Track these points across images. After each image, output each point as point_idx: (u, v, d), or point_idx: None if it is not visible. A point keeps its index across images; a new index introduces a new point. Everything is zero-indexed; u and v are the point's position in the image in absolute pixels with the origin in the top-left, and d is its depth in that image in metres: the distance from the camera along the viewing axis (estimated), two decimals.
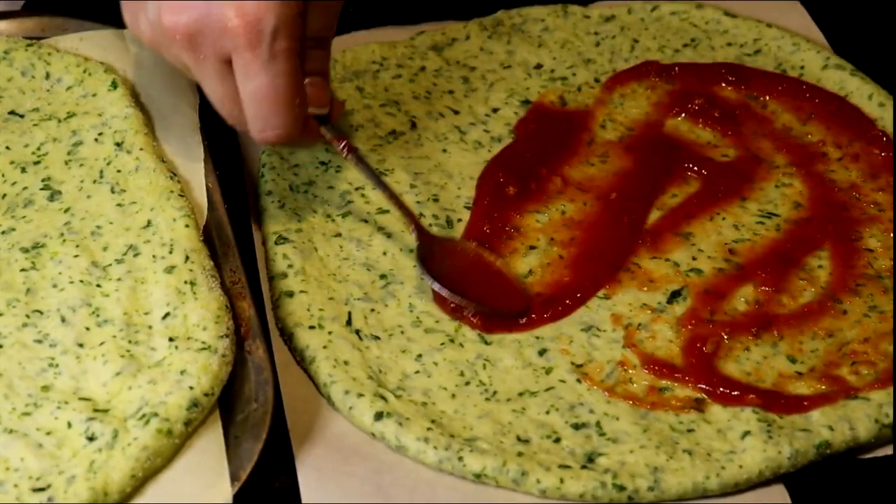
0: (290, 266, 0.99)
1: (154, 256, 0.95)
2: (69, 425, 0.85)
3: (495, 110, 1.15)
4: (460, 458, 0.87)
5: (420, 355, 0.95)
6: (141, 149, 1.03)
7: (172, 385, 0.86)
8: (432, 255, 0.98)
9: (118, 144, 1.03)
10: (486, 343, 0.95)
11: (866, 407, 0.91)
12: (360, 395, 0.91)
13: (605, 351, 0.95)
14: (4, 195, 1.01)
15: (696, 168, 1.09)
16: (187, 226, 0.97)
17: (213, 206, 1.01)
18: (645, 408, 0.92)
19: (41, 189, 1.01)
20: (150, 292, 0.93)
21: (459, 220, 1.05)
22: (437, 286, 0.96)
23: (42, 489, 0.82)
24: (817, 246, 1.03)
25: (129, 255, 0.96)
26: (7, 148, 1.04)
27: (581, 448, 0.89)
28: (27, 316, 0.92)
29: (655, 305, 0.98)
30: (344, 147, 0.99)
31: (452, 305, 0.96)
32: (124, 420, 0.85)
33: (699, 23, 1.24)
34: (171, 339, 0.90)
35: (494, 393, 0.92)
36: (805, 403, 0.91)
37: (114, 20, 1.18)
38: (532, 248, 1.02)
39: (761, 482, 0.89)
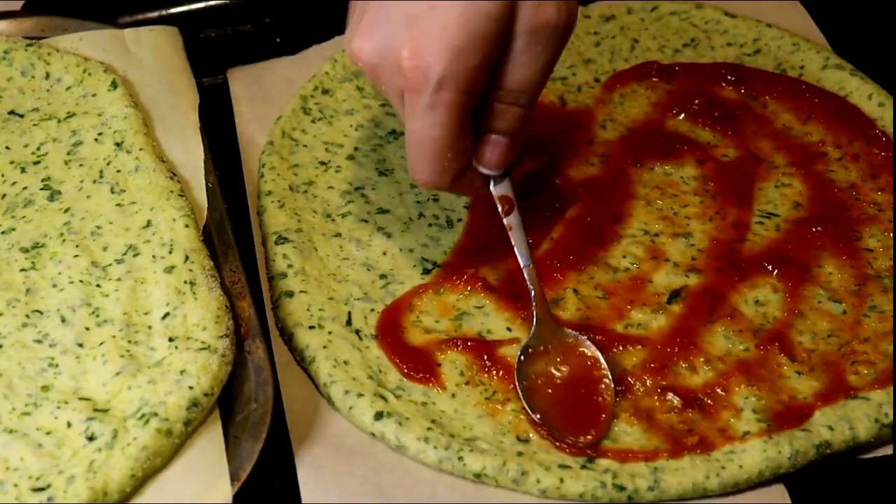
0: (289, 266, 0.99)
1: (154, 256, 0.95)
2: (69, 425, 0.85)
3: None
4: (460, 458, 0.87)
5: None
6: (141, 149, 1.03)
7: (172, 385, 0.86)
8: (539, 346, 0.93)
9: (118, 144, 1.03)
10: (486, 342, 0.95)
11: (866, 407, 0.91)
12: (360, 394, 0.91)
13: (605, 350, 0.95)
14: (4, 195, 1.01)
15: (696, 167, 1.09)
16: (187, 226, 0.97)
17: (213, 206, 1.01)
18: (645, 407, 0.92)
19: (41, 189, 1.01)
20: (149, 292, 0.93)
21: (459, 219, 1.05)
22: (521, 396, 0.91)
23: (42, 489, 0.82)
24: (817, 246, 1.03)
25: (129, 255, 0.96)
26: (7, 148, 1.04)
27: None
28: (27, 316, 0.92)
29: (655, 305, 0.98)
30: (504, 211, 0.94)
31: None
32: (124, 420, 0.85)
33: (699, 23, 1.24)
34: (170, 339, 0.90)
35: (494, 392, 0.93)
36: (806, 412, 0.91)
37: (114, 20, 1.19)
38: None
39: (761, 482, 0.89)
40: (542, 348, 0.92)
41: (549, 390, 0.91)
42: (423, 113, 0.85)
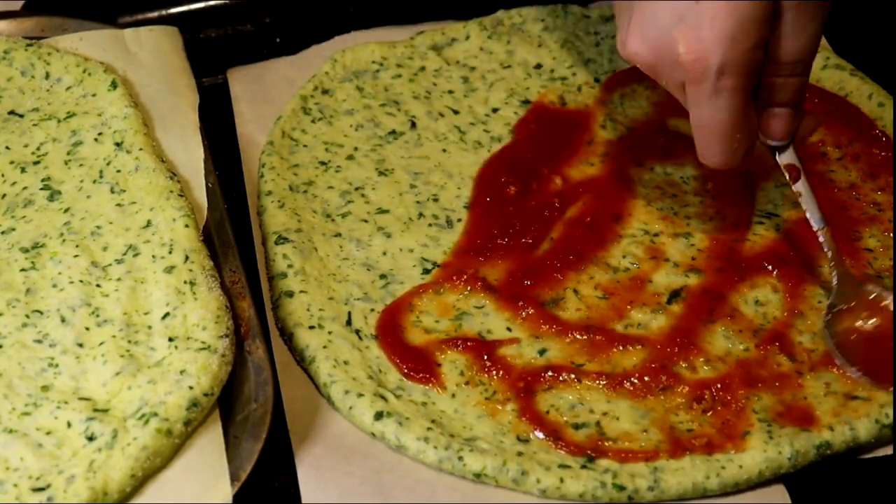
0: (290, 266, 0.99)
1: (154, 256, 0.95)
2: (69, 425, 0.85)
3: (495, 110, 1.15)
4: (460, 458, 0.87)
5: None
6: (140, 149, 1.03)
7: (172, 385, 0.86)
8: (843, 305, 0.95)
9: (118, 144, 1.03)
10: (486, 342, 0.95)
11: (866, 407, 0.91)
12: (360, 394, 0.91)
13: (604, 350, 0.95)
14: (4, 195, 1.01)
15: (696, 167, 1.09)
16: (187, 226, 0.97)
17: (213, 206, 1.01)
18: (645, 408, 0.92)
19: (41, 189, 1.01)
20: (149, 292, 0.93)
21: (459, 220, 1.05)
22: (832, 345, 0.94)
23: (42, 489, 0.82)
24: (817, 246, 1.03)
25: (129, 255, 0.96)
26: (7, 148, 1.04)
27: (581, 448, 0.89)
28: (27, 316, 0.92)
29: (655, 305, 0.98)
30: (793, 178, 0.97)
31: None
32: (124, 420, 0.85)
33: None
34: (170, 339, 0.90)
35: (494, 392, 0.93)
36: (806, 412, 0.91)
37: (114, 20, 1.19)
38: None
39: (761, 482, 0.89)
40: (846, 306, 0.94)
41: (863, 345, 0.92)
42: (709, 100, 0.89)
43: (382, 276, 1.00)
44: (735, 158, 0.93)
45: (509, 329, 0.97)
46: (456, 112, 1.14)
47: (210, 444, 0.87)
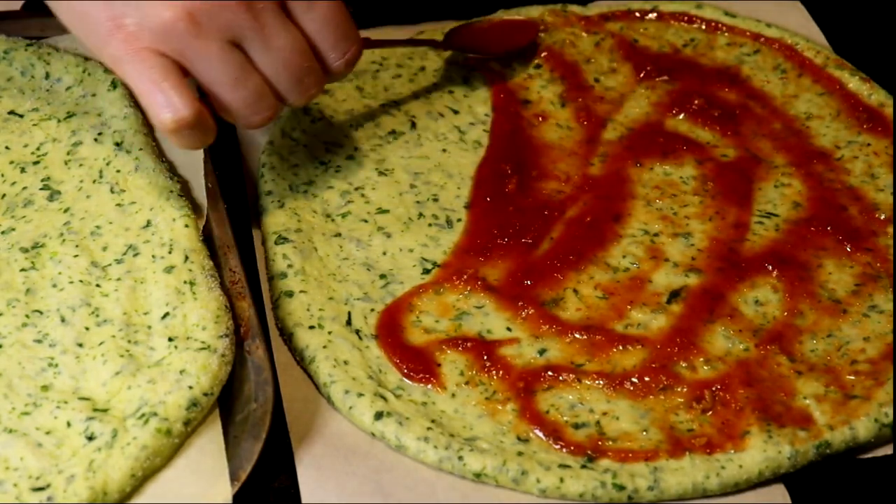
0: (289, 266, 0.99)
1: (153, 256, 0.95)
2: (69, 425, 0.85)
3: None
4: (460, 458, 0.87)
5: None
6: (140, 149, 1.03)
7: (172, 385, 0.86)
8: None
9: (117, 144, 1.03)
10: (486, 342, 0.95)
11: (866, 406, 0.91)
12: (360, 394, 0.91)
13: (605, 350, 0.95)
14: (4, 195, 1.01)
15: (695, 167, 1.09)
16: (187, 226, 0.97)
17: (214, 206, 1.01)
18: (645, 408, 0.92)
19: (41, 189, 1.01)
20: (149, 292, 0.93)
21: (459, 219, 1.05)
22: None
23: (41, 488, 0.82)
24: (817, 246, 1.03)
25: (129, 255, 0.96)
26: (7, 148, 1.04)
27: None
28: (27, 316, 0.92)
29: (655, 305, 0.98)
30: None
31: None
32: (124, 419, 0.85)
33: (699, 23, 1.24)
34: (170, 339, 0.90)
35: (494, 392, 0.93)
36: (806, 412, 0.91)
37: None
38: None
39: (761, 482, 0.89)
40: None
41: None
42: (308, 10, 0.89)
43: (382, 276, 1.00)
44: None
45: (509, 329, 0.97)
46: (456, 112, 1.14)
47: (210, 444, 0.87)
